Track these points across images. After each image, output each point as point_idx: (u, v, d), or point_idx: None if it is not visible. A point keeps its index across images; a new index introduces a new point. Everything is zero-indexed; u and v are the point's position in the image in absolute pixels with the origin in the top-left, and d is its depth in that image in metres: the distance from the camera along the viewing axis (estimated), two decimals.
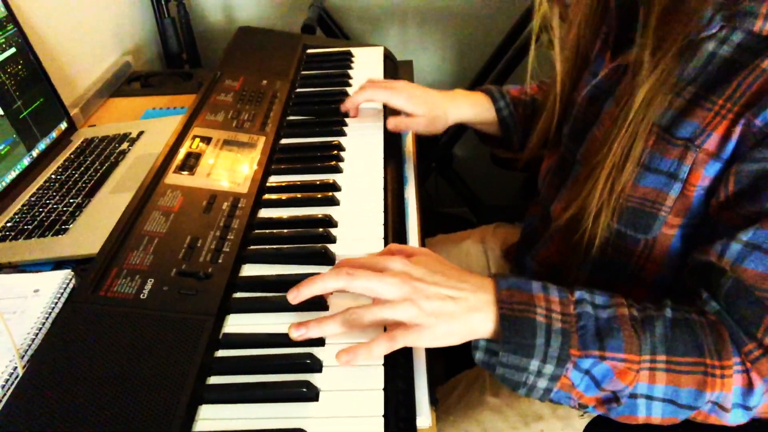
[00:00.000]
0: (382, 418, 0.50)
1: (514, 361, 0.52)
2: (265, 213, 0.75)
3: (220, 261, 0.64)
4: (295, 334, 0.55)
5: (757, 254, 0.52)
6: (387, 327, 0.56)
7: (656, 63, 0.56)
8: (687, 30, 0.55)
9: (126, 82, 1.29)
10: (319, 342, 0.57)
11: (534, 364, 0.52)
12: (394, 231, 0.72)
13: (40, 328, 0.62)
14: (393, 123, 0.89)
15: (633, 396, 0.53)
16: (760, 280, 0.52)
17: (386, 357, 0.55)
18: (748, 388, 0.52)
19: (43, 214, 0.81)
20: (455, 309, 0.53)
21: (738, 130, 0.53)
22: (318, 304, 0.60)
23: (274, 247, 0.68)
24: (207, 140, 0.85)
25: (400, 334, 0.53)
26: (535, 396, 0.55)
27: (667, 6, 0.56)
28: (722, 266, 0.54)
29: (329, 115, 0.96)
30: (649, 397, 0.53)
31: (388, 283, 0.54)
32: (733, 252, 0.53)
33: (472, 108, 0.91)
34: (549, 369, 0.52)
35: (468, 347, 0.56)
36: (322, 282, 0.56)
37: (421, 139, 0.98)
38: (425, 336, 0.53)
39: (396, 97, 0.88)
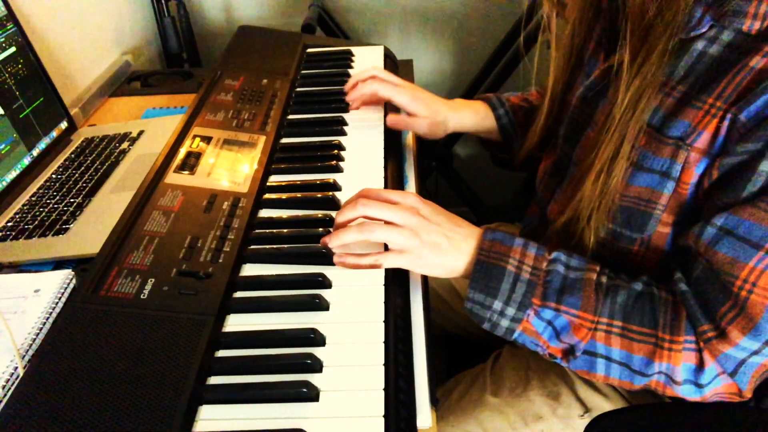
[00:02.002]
0: (383, 419, 0.50)
1: (479, 299, 0.61)
2: (265, 213, 0.75)
3: (220, 261, 0.64)
4: (330, 244, 0.65)
5: (729, 239, 0.54)
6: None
7: (638, 67, 0.57)
8: (668, 33, 0.56)
9: (126, 82, 1.29)
10: (320, 342, 0.57)
11: (497, 305, 0.60)
12: None
13: (41, 328, 0.62)
14: (392, 120, 0.90)
15: (591, 353, 0.59)
16: (728, 264, 0.54)
17: (386, 357, 0.55)
18: (699, 366, 0.56)
19: (43, 213, 0.81)
20: (447, 247, 0.62)
21: (725, 126, 0.54)
22: (318, 304, 0.61)
23: (275, 246, 0.68)
24: (207, 140, 0.85)
25: (391, 255, 0.63)
26: (499, 333, 0.62)
27: (643, 13, 0.57)
28: (697, 249, 0.57)
29: (329, 114, 0.96)
30: (608, 359, 0.59)
31: (400, 215, 0.62)
32: (707, 235, 0.56)
33: (473, 117, 0.92)
34: (510, 311, 0.60)
35: (467, 348, 0.57)
36: (346, 235, 0.63)
37: (421, 139, 0.98)
38: (416, 263, 0.63)
39: (401, 96, 0.88)
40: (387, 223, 0.62)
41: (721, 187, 0.55)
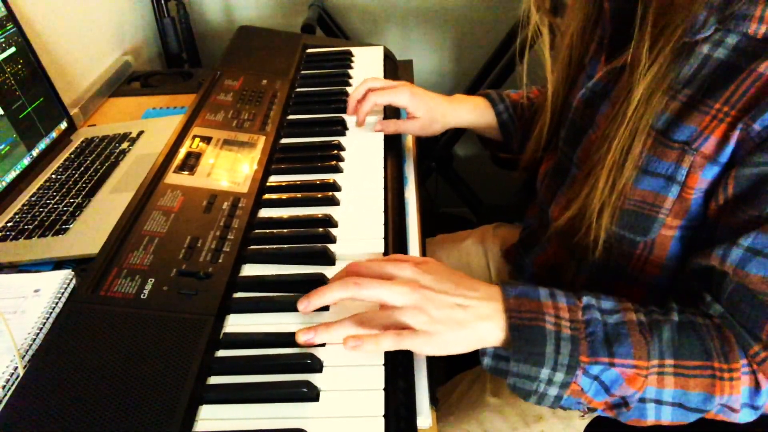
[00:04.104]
0: (383, 418, 0.50)
1: (525, 371, 0.53)
2: (265, 213, 0.75)
3: (220, 261, 0.64)
4: (302, 339, 0.55)
5: (759, 259, 0.52)
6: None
7: (654, 58, 0.56)
8: (683, 25, 0.55)
9: (126, 82, 1.29)
10: (320, 343, 0.57)
11: (545, 373, 0.53)
12: (394, 231, 0.72)
13: (41, 328, 0.62)
14: (380, 127, 0.90)
15: (642, 400, 0.54)
16: (763, 284, 0.52)
17: (387, 357, 0.55)
18: (756, 388, 0.53)
19: (43, 214, 0.81)
20: (464, 317, 0.53)
21: (736, 134, 0.53)
22: None
23: (275, 246, 0.68)
24: (207, 140, 0.85)
25: (408, 335, 0.53)
26: (546, 404, 0.55)
27: (664, 2, 0.56)
28: (724, 270, 0.54)
29: (329, 114, 0.96)
30: (658, 402, 0.53)
31: (397, 291, 0.54)
32: (734, 257, 0.53)
33: (472, 112, 0.91)
34: (559, 377, 0.53)
35: None
36: (330, 292, 0.56)
37: (421, 139, 0.98)
38: (433, 343, 0.53)
39: (399, 96, 0.88)
40: (383, 307, 0.55)
41: (742, 201, 0.53)
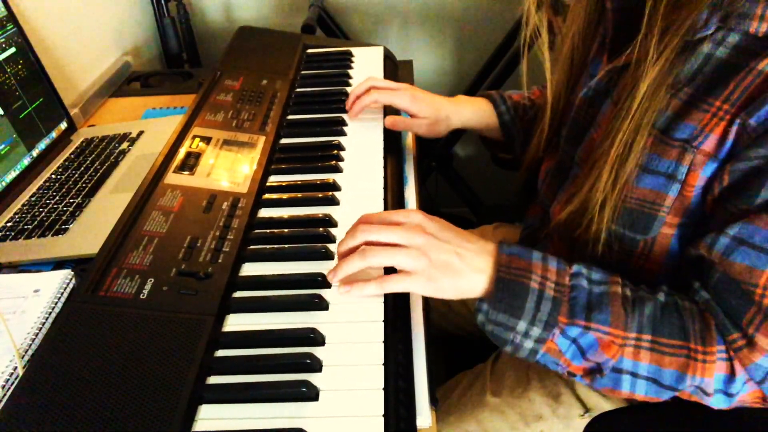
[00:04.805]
0: (382, 418, 0.50)
1: (503, 320, 0.56)
2: (265, 212, 0.75)
3: (220, 261, 0.64)
4: (334, 280, 0.62)
5: (744, 248, 0.53)
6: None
7: (660, 52, 0.56)
8: (690, 21, 0.55)
9: (126, 82, 1.29)
10: (319, 342, 0.57)
11: (521, 325, 0.56)
12: None
13: (40, 328, 0.62)
14: (391, 121, 0.90)
15: (618, 371, 0.56)
16: (746, 273, 0.53)
17: (386, 356, 0.55)
18: (731, 375, 0.55)
19: (43, 214, 0.81)
20: (460, 266, 0.57)
21: (734, 130, 0.54)
22: (318, 304, 0.61)
23: (275, 246, 0.68)
24: (207, 140, 0.85)
25: (399, 276, 0.58)
26: (522, 355, 0.58)
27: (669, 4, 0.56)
28: (711, 259, 0.56)
29: (329, 114, 0.96)
30: (634, 374, 0.56)
31: (403, 235, 0.58)
32: (721, 245, 0.55)
33: (475, 113, 0.92)
34: (536, 332, 0.56)
35: (467, 348, 0.56)
36: (348, 266, 0.59)
37: (421, 139, 0.98)
38: (430, 285, 0.57)
39: (400, 98, 0.89)
40: (392, 245, 0.58)
41: (733, 193, 0.54)
